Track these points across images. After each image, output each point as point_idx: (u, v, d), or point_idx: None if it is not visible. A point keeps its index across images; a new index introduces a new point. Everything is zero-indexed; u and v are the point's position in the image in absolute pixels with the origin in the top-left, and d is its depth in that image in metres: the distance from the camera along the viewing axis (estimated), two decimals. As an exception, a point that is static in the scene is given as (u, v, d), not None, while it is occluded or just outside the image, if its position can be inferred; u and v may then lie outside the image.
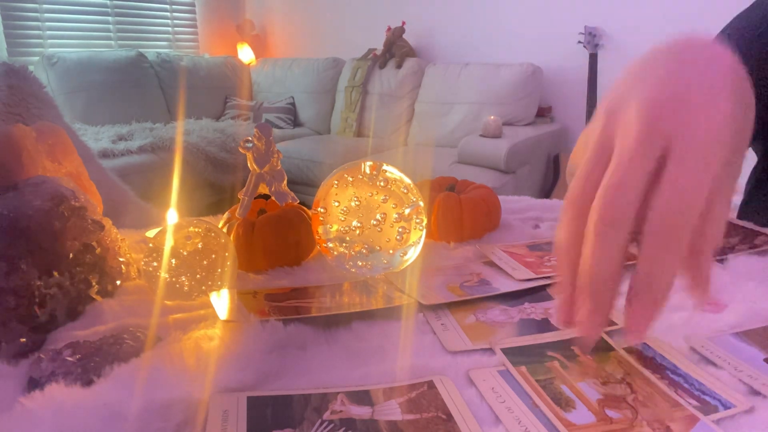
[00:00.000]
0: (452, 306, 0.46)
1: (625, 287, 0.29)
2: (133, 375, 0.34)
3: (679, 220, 0.26)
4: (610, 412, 0.31)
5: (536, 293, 0.48)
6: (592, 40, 2.70)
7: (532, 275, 0.50)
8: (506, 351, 0.38)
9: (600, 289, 0.28)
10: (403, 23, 3.34)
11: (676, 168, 0.27)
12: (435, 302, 0.45)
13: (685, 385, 0.34)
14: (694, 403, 0.32)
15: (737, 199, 0.78)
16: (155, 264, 0.47)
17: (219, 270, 0.48)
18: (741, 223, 0.63)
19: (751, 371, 0.35)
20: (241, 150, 0.56)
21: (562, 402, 0.32)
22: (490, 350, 0.39)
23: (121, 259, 0.50)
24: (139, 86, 3.22)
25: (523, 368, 0.36)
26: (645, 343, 0.39)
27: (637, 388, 0.34)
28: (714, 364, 0.36)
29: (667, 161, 0.27)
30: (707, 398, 0.33)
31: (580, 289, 0.29)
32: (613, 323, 0.42)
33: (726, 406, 0.32)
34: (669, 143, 0.27)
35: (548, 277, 0.50)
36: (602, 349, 0.38)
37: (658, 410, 0.32)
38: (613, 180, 0.27)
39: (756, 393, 0.33)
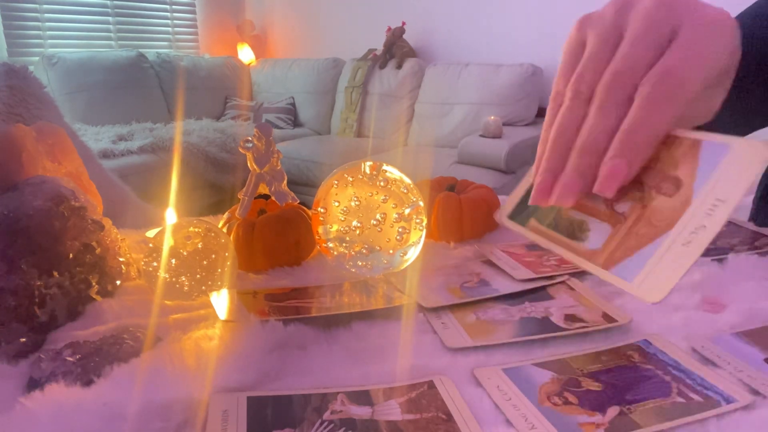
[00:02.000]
0: (453, 306, 0.46)
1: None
2: (133, 375, 0.34)
3: (684, 78, 0.27)
4: (620, 207, 0.30)
5: (536, 293, 0.48)
6: (592, 41, 2.69)
7: (532, 275, 0.50)
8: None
9: (590, 154, 0.29)
10: (403, 23, 3.34)
11: (687, 39, 0.28)
12: (435, 305, 0.45)
13: (688, 381, 0.34)
14: (697, 398, 0.32)
15: (747, 199, 0.78)
16: (155, 264, 0.47)
17: (219, 270, 0.48)
18: (742, 224, 0.63)
19: (751, 371, 0.35)
20: (241, 150, 0.56)
21: (575, 230, 0.31)
22: (490, 348, 0.39)
23: (121, 259, 0.50)
24: (139, 86, 3.22)
25: (533, 221, 0.35)
26: (646, 340, 0.39)
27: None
28: (714, 364, 0.36)
29: (679, 34, 0.28)
30: (710, 393, 0.33)
31: (570, 157, 0.30)
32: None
33: (728, 401, 0.32)
34: (677, 29, 0.29)
35: (548, 277, 0.50)
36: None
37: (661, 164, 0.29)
38: (624, 62, 0.29)
39: (756, 393, 0.33)
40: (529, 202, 0.32)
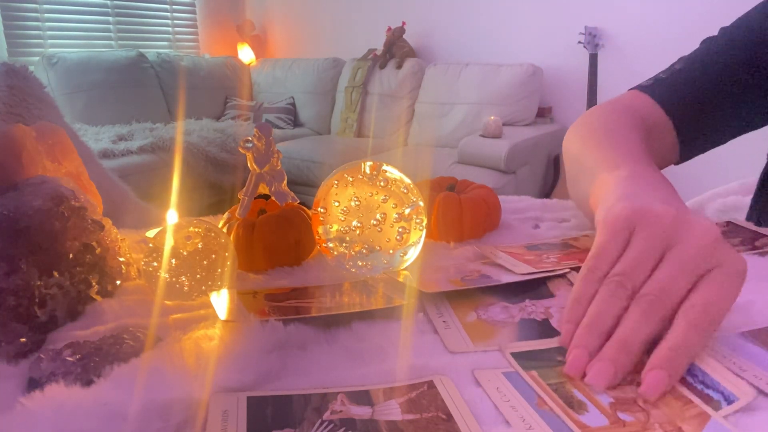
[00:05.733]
0: (453, 301, 0.46)
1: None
2: (133, 375, 0.34)
3: (719, 312, 0.33)
4: (623, 415, 0.31)
5: (537, 290, 0.48)
6: (592, 40, 2.70)
7: (533, 270, 0.50)
8: (515, 355, 0.38)
9: (627, 353, 0.33)
10: (404, 23, 3.34)
11: (722, 279, 0.34)
12: (436, 290, 0.45)
13: (689, 379, 0.34)
14: (697, 399, 0.32)
15: (747, 199, 0.79)
16: (155, 264, 0.47)
17: (219, 270, 0.48)
18: (742, 224, 0.63)
19: (756, 371, 0.35)
20: (241, 150, 0.56)
21: (574, 405, 0.32)
22: (491, 350, 0.39)
23: (121, 259, 0.50)
24: (140, 86, 3.22)
25: (534, 372, 0.36)
26: None
27: None
28: (717, 363, 0.36)
29: (714, 272, 0.35)
30: (710, 392, 0.33)
31: (604, 351, 0.33)
32: None
33: (729, 400, 0.32)
34: (713, 268, 0.35)
35: (549, 272, 0.50)
36: None
37: (670, 410, 0.31)
38: (670, 284, 0.34)
39: (761, 393, 0.33)
40: (564, 370, 0.34)
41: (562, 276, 0.50)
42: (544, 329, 0.42)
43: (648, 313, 0.33)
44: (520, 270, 0.50)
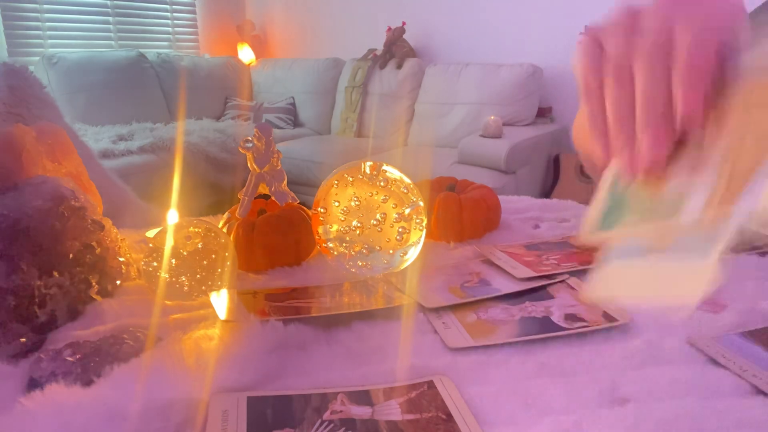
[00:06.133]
0: (454, 306, 0.46)
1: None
2: (133, 375, 0.34)
3: (723, 23, 0.29)
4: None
5: (537, 292, 0.48)
6: (593, 41, 2.69)
7: (533, 273, 0.50)
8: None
9: (658, 114, 0.29)
10: (404, 23, 3.34)
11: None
12: (437, 305, 0.45)
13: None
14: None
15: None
16: (155, 264, 0.47)
17: (219, 270, 0.48)
18: (741, 222, 0.63)
19: (755, 370, 0.35)
20: (241, 150, 0.56)
21: (674, 206, 0.28)
22: (491, 348, 0.39)
23: (121, 259, 0.50)
24: (140, 86, 3.21)
25: (627, 221, 0.31)
26: None
27: None
28: (718, 364, 0.36)
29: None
30: None
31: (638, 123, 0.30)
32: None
33: None
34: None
35: (548, 276, 0.50)
36: None
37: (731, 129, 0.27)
38: (658, 32, 0.30)
39: (760, 392, 0.33)
40: (631, 175, 0.30)
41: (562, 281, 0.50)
42: (545, 325, 0.42)
43: (653, 66, 0.30)
44: (519, 274, 0.50)
